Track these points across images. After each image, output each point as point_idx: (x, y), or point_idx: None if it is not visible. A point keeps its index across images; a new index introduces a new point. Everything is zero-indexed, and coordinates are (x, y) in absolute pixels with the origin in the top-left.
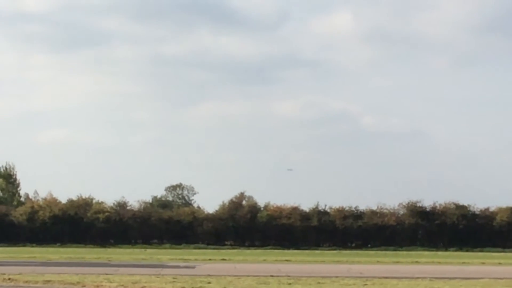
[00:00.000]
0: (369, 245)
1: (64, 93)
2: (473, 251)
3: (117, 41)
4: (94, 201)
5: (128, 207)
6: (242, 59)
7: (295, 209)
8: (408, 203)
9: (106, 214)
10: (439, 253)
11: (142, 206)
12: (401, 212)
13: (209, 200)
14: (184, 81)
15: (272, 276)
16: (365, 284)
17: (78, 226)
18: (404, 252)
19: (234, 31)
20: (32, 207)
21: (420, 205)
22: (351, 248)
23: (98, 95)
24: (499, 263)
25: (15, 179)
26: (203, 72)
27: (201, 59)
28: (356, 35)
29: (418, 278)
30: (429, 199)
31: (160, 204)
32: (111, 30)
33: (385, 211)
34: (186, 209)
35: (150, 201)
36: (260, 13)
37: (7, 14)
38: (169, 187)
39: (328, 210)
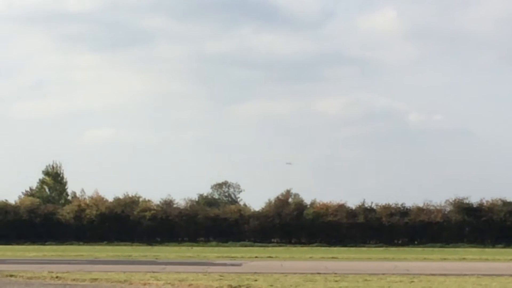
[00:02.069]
0: (415, 242)
1: (109, 92)
2: None
3: (161, 40)
4: (140, 199)
5: (175, 205)
6: (286, 57)
7: (341, 206)
8: (455, 199)
9: (153, 212)
10: (486, 249)
11: (188, 204)
12: (448, 209)
13: (255, 198)
14: (229, 80)
15: (318, 273)
16: (412, 281)
17: (125, 224)
18: (451, 249)
19: (278, 29)
20: (79, 205)
21: (467, 201)
22: (398, 245)
23: (143, 94)
24: None
25: (62, 178)
26: (247, 71)
27: (245, 57)
28: (401, 33)
29: (465, 275)
30: (476, 196)
31: (207, 202)
32: (155, 29)
33: (431, 208)
34: (233, 206)
35: (197, 199)
36: (304, 11)
37: (51, 14)
38: (215, 185)
39: (375, 207)
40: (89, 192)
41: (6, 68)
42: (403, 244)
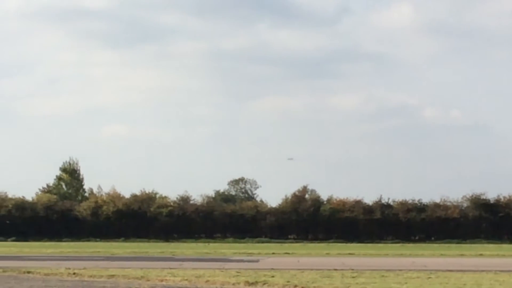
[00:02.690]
0: (432, 238)
1: (125, 88)
2: None
3: (176, 37)
4: (157, 195)
5: (191, 202)
6: (302, 53)
7: (358, 203)
8: (472, 195)
9: (170, 208)
10: (504, 245)
11: (205, 201)
12: (465, 205)
13: (272, 194)
14: (245, 76)
15: (335, 269)
16: (429, 277)
17: (142, 220)
18: (468, 245)
19: (294, 25)
20: (96, 202)
21: (484, 197)
22: (415, 241)
23: (158, 90)
24: None
25: (79, 174)
26: (263, 67)
27: (261, 53)
28: (417, 28)
29: (482, 271)
30: (492, 192)
31: (223, 198)
32: (171, 26)
33: (448, 203)
34: (249, 203)
35: (213, 196)
36: (320, 7)
37: (68, 11)
38: (232, 181)
39: (391, 203)
40: (106, 189)
41: (22, 65)
42: (420, 240)
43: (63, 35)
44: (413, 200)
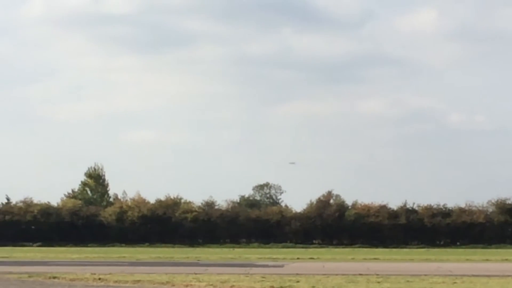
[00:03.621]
0: (457, 243)
1: (150, 94)
2: None
3: (201, 42)
4: (182, 201)
5: (216, 207)
6: (326, 58)
7: (383, 208)
8: (497, 200)
9: (194, 213)
10: None
11: (230, 206)
12: (490, 210)
13: (296, 199)
14: (269, 81)
15: (360, 274)
16: (455, 282)
17: (167, 226)
18: (493, 250)
19: (318, 30)
20: (121, 207)
21: (510, 202)
22: (440, 246)
23: (183, 95)
24: None
25: (104, 180)
26: (287, 71)
27: (286, 58)
28: (442, 33)
29: (508, 276)
30: None
31: (248, 203)
32: (195, 31)
33: (473, 208)
34: (274, 208)
35: (238, 201)
36: (345, 12)
37: (91, 16)
38: (257, 187)
39: (416, 208)
40: (131, 194)
41: (47, 71)
42: (445, 245)
43: (87, 40)
44: (438, 205)
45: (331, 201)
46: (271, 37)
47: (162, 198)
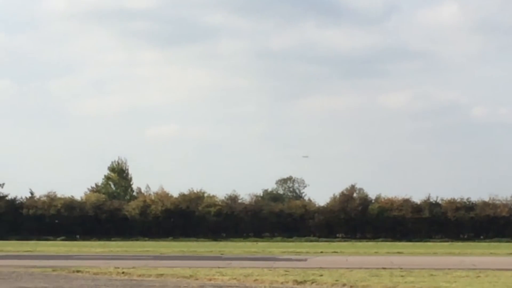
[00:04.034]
0: (481, 237)
1: (172, 88)
2: None
3: (223, 36)
4: (205, 194)
5: (240, 201)
6: (348, 52)
7: (406, 201)
8: None
9: (218, 207)
10: None
11: (253, 200)
12: None
13: (319, 193)
14: (291, 75)
15: (384, 268)
16: (478, 276)
17: (190, 219)
18: None
19: (340, 24)
20: (144, 201)
21: None
22: (463, 239)
23: (205, 89)
24: None
25: (128, 174)
26: (310, 65)
27: (307, 52)
28: (464, 26)
29: None
30: None
31: (271, 197)
32: (217, 25)
33: (497, 202)
34: (297, 202)
35: (261, 195)
36: (367, 5)
37: (114, 11)
38: (280, 180)
39: (440, 202)
40: (154, 188)
41: (70, 66)
42: (468, 239)
43: (109, 35)
44: (461, 199)
45: (355, 194)
46: (293, 31)
47: (186, 192)
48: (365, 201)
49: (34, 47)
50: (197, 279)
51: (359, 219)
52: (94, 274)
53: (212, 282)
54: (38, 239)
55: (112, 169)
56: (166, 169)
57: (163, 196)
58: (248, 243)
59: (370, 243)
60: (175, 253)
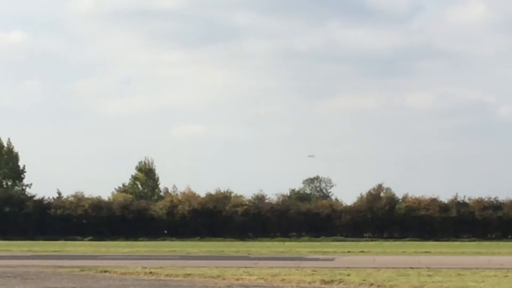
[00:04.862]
0: (509, 236)
1: (199, 88)
2: None
3: (249, 36)
4: (232, 194)
5: (267, 200)
6: (374, 52)
7: (433, 201)
8: None
9: (245, 207)
10: None
11: (280, 199)
12: None
13: (346, 193)
14: (318, 74)
15: (411, 268)
16: (506, 276)
17: (217, 219)
18: None
19: (366, 24)
20: (172, 201)
21: None
22: (491, 239)
23: (232, 90)
24: None
25: (155, 174)
26: (335, 65)
27: (333, 52)
28: (491, 25)
29: None
30: None
31: (298, 197)
32: (243, 25)
33: None
34: (324, 201)
35: (288, 194)
36: (392, 4)
37: (140, 11)
38: (307, 180)
39: (467, 201)
40: (181, 188)
41: (96, 66)
42: (496, 239)
43: (135, 35)
44: (489, 198)
45: (382, 194)
46: (318, 31)
47: (213, 192)
48: (392, 200)
49: (61, 48)
50: (224, 279)
51: (386, 219)
52: (122, 274)
53: (240, 282)
54: (66, 239)
55: (139, 169)
56: (193, 169)
57: (190, 196)
58: (275, 243)
59: (397, 243)
60: (202, 253)
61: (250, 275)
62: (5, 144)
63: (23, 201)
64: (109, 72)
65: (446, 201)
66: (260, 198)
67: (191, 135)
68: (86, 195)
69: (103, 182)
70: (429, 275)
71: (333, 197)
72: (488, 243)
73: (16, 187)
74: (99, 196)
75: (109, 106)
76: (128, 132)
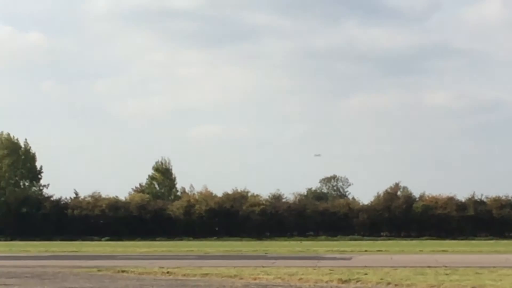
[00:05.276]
0: None
1: (216, 88)
2: None
3: (266, 35)
4: (249, 194)
5: (284, 200)
6: (392, 51)
7: (450, 199)
8: None
9: (262, 207)
10: None
11: (297, 199)
12: None
13: (363, 192)
14: (335, 74)
15: (429, 266)
16: None
17: (234, 219)
18: None
19: (383, 23)
20: (189, 201)
21: None
22: (508, 237)
23: (248, 89)
24: None
25: (171, 174)
26: (353, 64)
27: (350, 51)
28: (508, 23)
29: None
30: None
31: (315, 196)
32: (259, 25)
33: None
34: (341, 200)
35: (305, 194)
36: (410, 3)
37: (157, 12)
38: (324, 179)
39: (485, 200)
40: (198, 188)
41: (114, 66)
42: None
43: (153, 35)
44: (506, 197)
45: (399, 193)
46: (335, 30)
47: (229, 191)
48: (409, 199)
49: (79, 48)
50: (241, 279)
51: (403, 218)
52: (139, 274)
53: (257, 281)
54: (83, 239)
55: (156, 169)
56: (210, 168)
57: (207, 196)
58: (293, 242)
59: (415, 242)
60: (219, 253)
61: (268, 274)
62: (22, 145)
63: (41, 201)
64: (126, 72)
65: (463, 200)
66: (277, 198)
67: (208, 134)
68: (103, 195)
69: (120, 182)
70: (447, 274)
71: (350, 196)
72: (506, 242)
73: (34, 188)
74: (116, 196)
75: (126, 107)
76: (145, 132)
